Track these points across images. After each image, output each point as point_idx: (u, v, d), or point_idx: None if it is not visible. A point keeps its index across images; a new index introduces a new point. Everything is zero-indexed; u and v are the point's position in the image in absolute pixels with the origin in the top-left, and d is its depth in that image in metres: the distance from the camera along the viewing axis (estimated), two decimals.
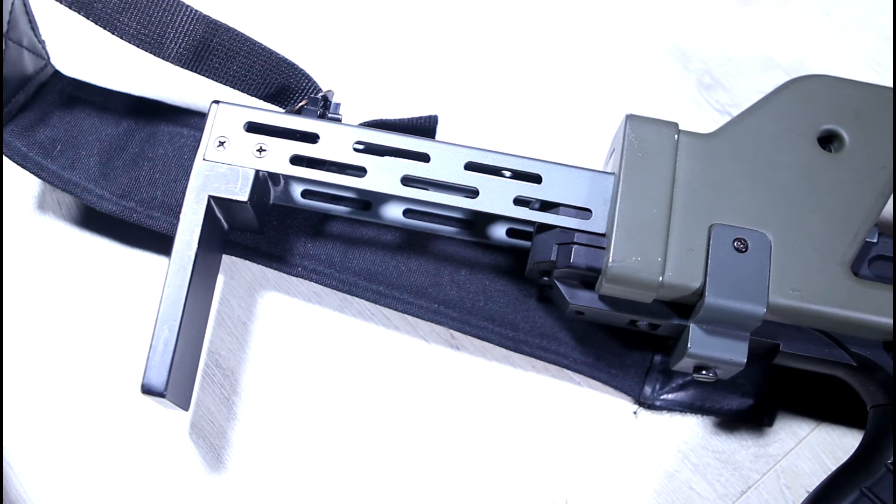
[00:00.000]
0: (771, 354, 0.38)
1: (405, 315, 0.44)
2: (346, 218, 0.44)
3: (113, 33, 0.39)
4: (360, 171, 0.38)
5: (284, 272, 0.43)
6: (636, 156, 0.37)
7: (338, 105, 0.42)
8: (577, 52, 0.51)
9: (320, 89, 0.42)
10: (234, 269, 0.45)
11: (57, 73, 0.45)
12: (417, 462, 0.42)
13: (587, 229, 0.37)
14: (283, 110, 0.42)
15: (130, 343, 0.43)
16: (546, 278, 0.40)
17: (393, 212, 0.43)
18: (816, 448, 0.43)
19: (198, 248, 0.37)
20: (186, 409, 0.39)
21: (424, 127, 0.43)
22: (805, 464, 0.43)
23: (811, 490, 0.38)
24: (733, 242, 0.36)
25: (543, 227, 0.39)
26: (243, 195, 0.38)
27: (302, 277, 0.43)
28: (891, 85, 0.47)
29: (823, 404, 0.43)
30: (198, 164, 0.38)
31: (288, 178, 0.42)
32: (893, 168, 0.34)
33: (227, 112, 0.39)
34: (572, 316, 0.39)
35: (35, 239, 0.45)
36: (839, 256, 0.36)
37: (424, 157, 0.38)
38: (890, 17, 0.51)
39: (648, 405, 0.43)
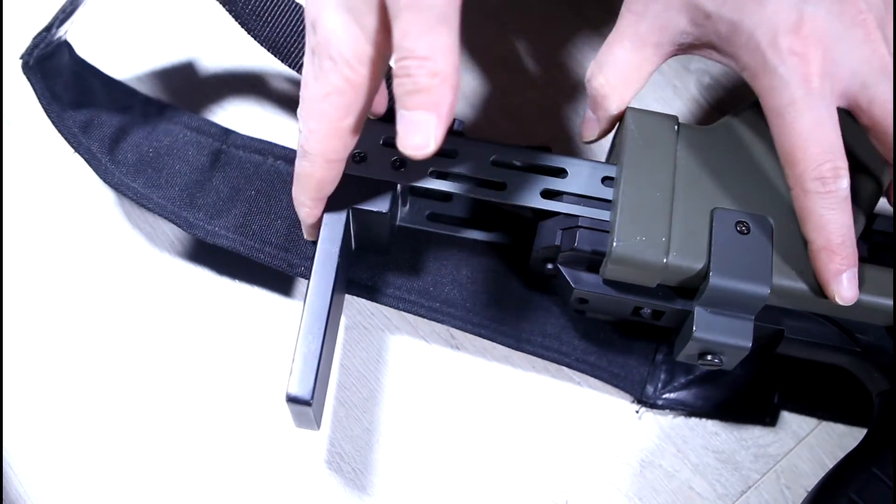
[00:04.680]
0: (775, 342, 0.38)
1: (405, 315, 0.44)
2: None
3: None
4: (498, 186, 0.39)
5: (286, 271, 0.43)
6: (637, 144, 0.37)
7: (461, 122, 0.41)
8: (578, 52, 0.51)
9: None
10: None
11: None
12: (417, 462, 0.42)
13: (591, 215, 0.38)
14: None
15: (130, 343, 0.43)
16: (550, 266, 0.40)
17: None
18: (816, 448, 0.43)
19: (339, 258, 0.37)
20: (318, 427, 0.38)
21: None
22: (805, 464, 0.43)
23: (810, 490, 0.38)
24: (735, 225, 0.36)
25: (546, 215, 0.39)
26: (383, 206, 0.38)
27: (302, 277, 0.43)
28: None
29: (824, 404, 0.43)
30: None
31: (415, 199, 0.42)
32: (893, 155, 0.35)
33: (366, 127, 0.38)
34: (575, 306, 0.39)
35: (35, 238, 0.45)
36: None
37: (563, 173, 0.39)
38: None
39: (650, 404, 0.43)
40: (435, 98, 0.30)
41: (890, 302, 0.36)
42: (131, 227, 0.45)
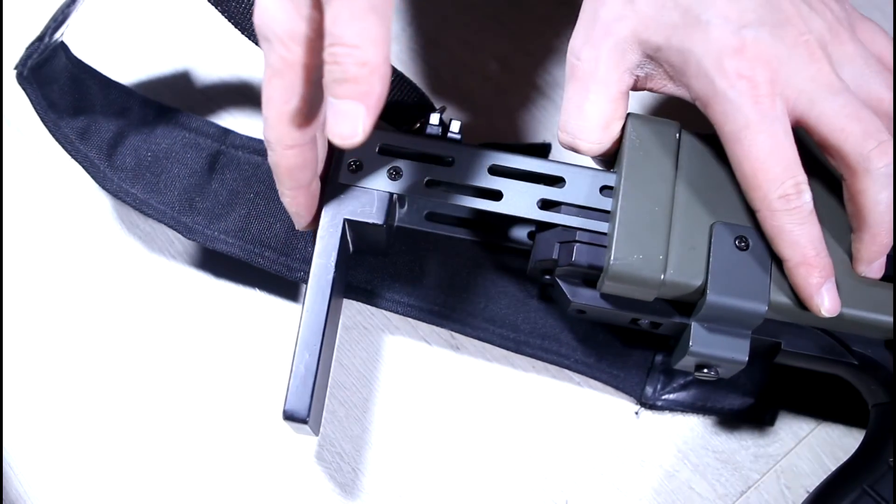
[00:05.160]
0: (772, 353, 0.38)
1: (406, 317, 0.44)
2: None
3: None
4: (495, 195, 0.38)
5: (284, 275, 0.43)
6: (638, 154, 0.37)
7: (460, 124, 0.41)
8: None
9: (433, 106, 0.42)
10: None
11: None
12: (417, 461, 0.42)
13: (589, 227, 0.37)
14: (396, 129, 0.42)
15: (130, 345, 0.43)
16: (548, 277, 0.40)
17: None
18: (816, 448, 0.43)
19: (335, 271, 0.37)
20: (317, 434, 0.38)
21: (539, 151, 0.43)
22: (805, 464, 0.43)
23: (811, 490, 0.38)
24: (735, 240, 0.36)
25: (545, 226, 0.39)
26: (379, 218, 0.38)
27: (301, 281, 0.43)
28: None
29: (824, 404, 0.43)
30: (332, 187, 0.38)
31: (413, 200, 0.42)
32: (893, 165, 0.35)
33: None
34: (574, 314, 0.39)
35: (35, 239, 0.45)
36: (840, 255, 0.36)
37: (560, 181, 0.38)
38: (890, 17, 0.51)
39: (650, 405, 0.43)
40: (363, 88, 0.29)
41: (885, 317, 0.36)
42: (131, 227, 0.45)
